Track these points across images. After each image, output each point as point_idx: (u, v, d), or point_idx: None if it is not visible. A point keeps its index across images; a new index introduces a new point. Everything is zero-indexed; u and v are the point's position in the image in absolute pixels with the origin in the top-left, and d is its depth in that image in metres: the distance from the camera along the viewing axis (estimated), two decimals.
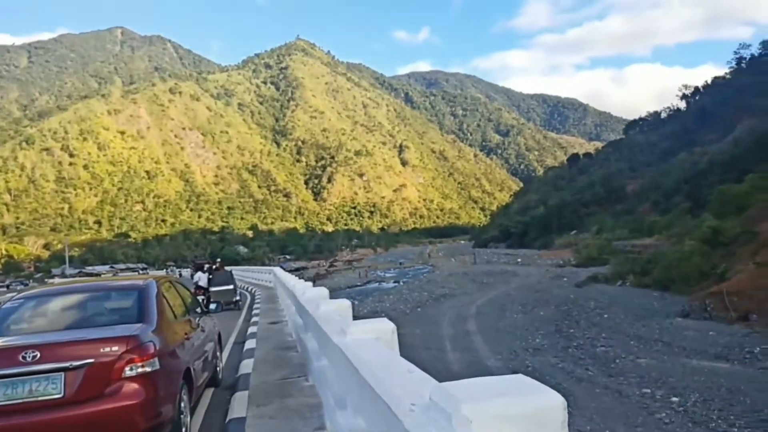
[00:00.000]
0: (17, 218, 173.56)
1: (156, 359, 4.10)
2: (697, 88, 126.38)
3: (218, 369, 6.89)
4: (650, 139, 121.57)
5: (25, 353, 3.83)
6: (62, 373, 3.84)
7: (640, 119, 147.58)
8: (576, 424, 10.79)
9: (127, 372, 3.95)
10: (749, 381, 13.38)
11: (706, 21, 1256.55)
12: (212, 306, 6.64)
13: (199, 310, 6.44)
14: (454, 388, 1.50)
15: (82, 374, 3.86)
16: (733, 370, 14.67)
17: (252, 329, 11.36)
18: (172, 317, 5.11)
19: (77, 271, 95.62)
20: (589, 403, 12.25)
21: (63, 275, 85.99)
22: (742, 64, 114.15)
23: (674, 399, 12.43)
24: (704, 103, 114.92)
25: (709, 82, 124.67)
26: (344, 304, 4.60)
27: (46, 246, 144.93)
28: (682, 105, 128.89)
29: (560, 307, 27.00)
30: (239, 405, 5.55)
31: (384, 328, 3.05)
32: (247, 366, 7.46)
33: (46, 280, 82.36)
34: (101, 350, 3.94)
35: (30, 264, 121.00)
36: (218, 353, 7.04)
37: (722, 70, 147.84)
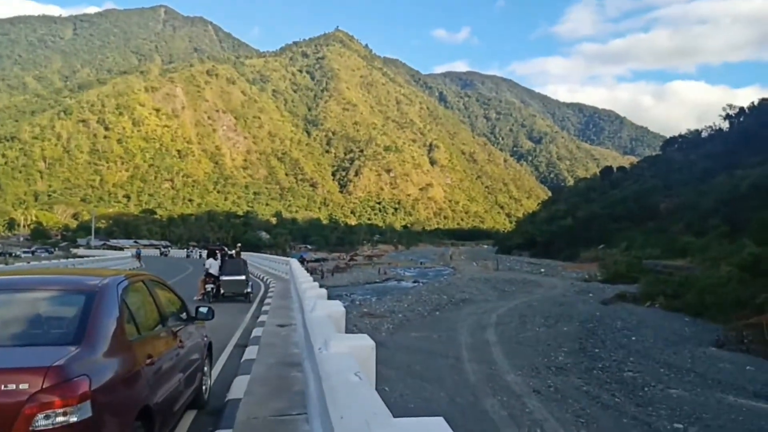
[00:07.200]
0: (50, 186, 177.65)
1: (88, 403, 2.76)
2: (741, 109, 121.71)
3: (204, 388, 5.68)
4: (688, 158, 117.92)
5: None
6: None
7: (679, 136, 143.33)
8: None
9: (40, 422, 2.64)
10: None
11: (757, 41, 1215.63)
12: (202, 310, 5.65)
13: (184, 315, 5.31)
14: None
15: None
16: None
17: (257, 331, 10.53)
18: (133, 333, 3.75)
19: (102, 243, 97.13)
20: None
21: (88, 246, 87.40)
22: None
23: None
24: (748, 124, 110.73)
25: (756, 103, 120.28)
26: (366, 350, 3.17)
27: (75, 216, 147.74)
28: (725, 125, 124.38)
29: (585, 324, 25.83)
30: None
31: None
32: (239, 387, 6.36)
33: (71, 249, 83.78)
34: (2, 387, 2.63)
35: (57, 232, 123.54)
36: (206, 368, 5.80)
37: None
